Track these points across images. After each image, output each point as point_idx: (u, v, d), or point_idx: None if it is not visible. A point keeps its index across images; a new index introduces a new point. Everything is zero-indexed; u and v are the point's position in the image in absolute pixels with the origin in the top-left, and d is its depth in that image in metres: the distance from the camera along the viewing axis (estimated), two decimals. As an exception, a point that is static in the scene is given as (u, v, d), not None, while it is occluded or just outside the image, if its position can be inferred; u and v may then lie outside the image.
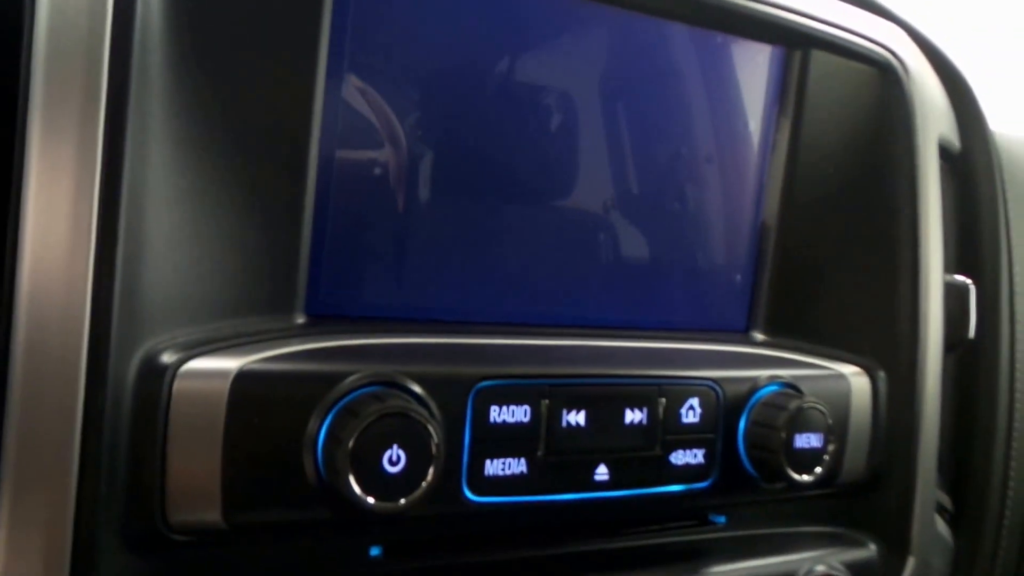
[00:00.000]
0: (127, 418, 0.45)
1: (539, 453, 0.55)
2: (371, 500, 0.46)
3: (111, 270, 0.44)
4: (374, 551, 0.55)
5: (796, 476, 0.61)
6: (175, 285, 0.48)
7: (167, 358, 0.46)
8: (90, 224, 0.43)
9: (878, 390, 0.69)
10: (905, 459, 0.70)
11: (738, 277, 0.72)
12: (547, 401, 0.55)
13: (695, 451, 0.61)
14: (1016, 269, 0.79)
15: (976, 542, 0.78)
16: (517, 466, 0.54)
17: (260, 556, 0.51)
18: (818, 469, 0.62)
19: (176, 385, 0.46)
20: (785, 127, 0.71)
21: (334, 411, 0.48)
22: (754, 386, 0.63)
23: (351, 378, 0.49)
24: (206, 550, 0.49)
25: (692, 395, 0.61)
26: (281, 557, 0.52)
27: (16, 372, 0.42)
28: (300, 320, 0.54)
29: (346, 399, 0.48)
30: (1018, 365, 0.79)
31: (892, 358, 0.70)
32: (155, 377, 0.46)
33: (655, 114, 0.66)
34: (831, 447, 0.62)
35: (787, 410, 0.60)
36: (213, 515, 0.47)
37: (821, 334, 0.71)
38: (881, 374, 0.70)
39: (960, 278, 0.75)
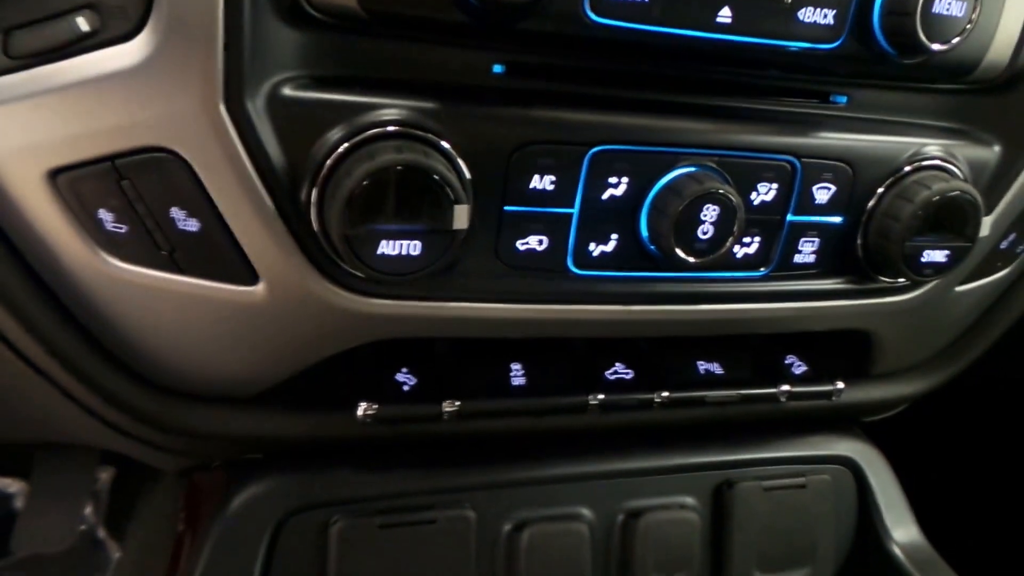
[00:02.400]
0: None
1: None
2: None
3: None
4: (497, 68, 0.55)
5: (931, 44, 0.55)
6: None
7: None
8: None
9: None
10: None
11: None
12: None
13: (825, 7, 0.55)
14: None
15: None
16: None
17: (394, 55, 0.52)
18: (956, 39, 0.56)
19: None
20: None
21: None
22: None
23: None
24: (346, 38, 0.51)
25: None
26: (413, 55, 0.53)
27: None
28: None
29: None
30: None
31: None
32: None
33: None
34: (974, 15, 0.55)
35: None
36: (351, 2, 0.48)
37: None
38: None
39: None
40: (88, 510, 1.08)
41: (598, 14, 0.51)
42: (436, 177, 0.49)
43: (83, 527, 1.07)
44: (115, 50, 0.46)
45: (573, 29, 0.51)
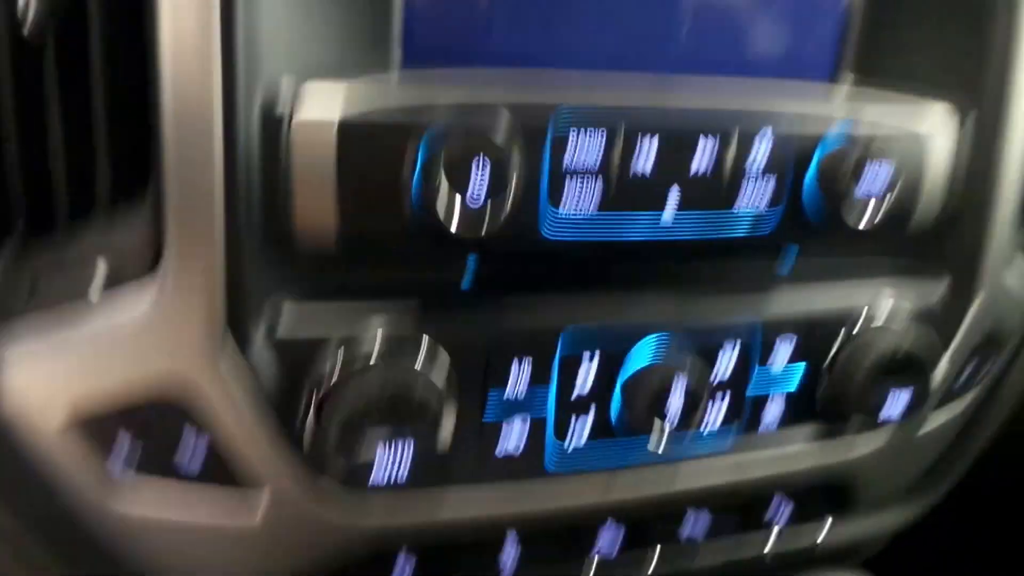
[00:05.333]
0: (256, 169, 0.49)
1: (614, 175, 0.54)
2: (455, 226, 0.49)
3: (233, 38, 0.46)
4: (465, 285, 0.57)
5: (860, 219, 0.57)
6: (285, 45, 0.50)
7: (282, 110, 0.49)
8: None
9: (962, 131, 0.63)
10: (984, 200, 0.65)
11: (825, 20, 0.66)
12: (623, 125, 0.54)
13: (765, 182, 0.57)
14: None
15: None
16: (592, 183, 0.54)
17: (372, 284, 0.55)
18: (883, 212, 0.58)
19: (292, 134, 0.49)
20: None
21: (423, 146, 0.49)
22: (829, 125, 0.58)
23: (435, 114, 0.50)
24: (328, 274, 0.54)
25: (767, 127, 0.57)
26: (389, 287, 0.56)
27: (168, 133, 0.47)
28: (396, 70, 0.56)
29: (433, 132, 0.49)
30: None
31: (980, 98, 0.63)
32: (275, 127, 0.49)
33: None
34: (903, 190, 0.58)
35: (859, 150, 0.56)
36: (329, 241, 0.51)
37: (910, 75, 0.65)
38: (967, 114, 0.63)
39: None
40: None
41: (551, 234, 0.54)
42: (423, 396, 0.52)
43: None
44: (127, 297, 0.50)
45: (530, 247, 0.54)
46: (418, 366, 0.53)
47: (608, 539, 0.70)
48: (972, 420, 0.81)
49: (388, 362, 0.53)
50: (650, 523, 0.71)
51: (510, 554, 0.67)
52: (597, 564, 0.68)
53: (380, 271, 0.55)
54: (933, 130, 0.62)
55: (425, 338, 0.55)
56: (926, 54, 0.65)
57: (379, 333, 0.54)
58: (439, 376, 0.54)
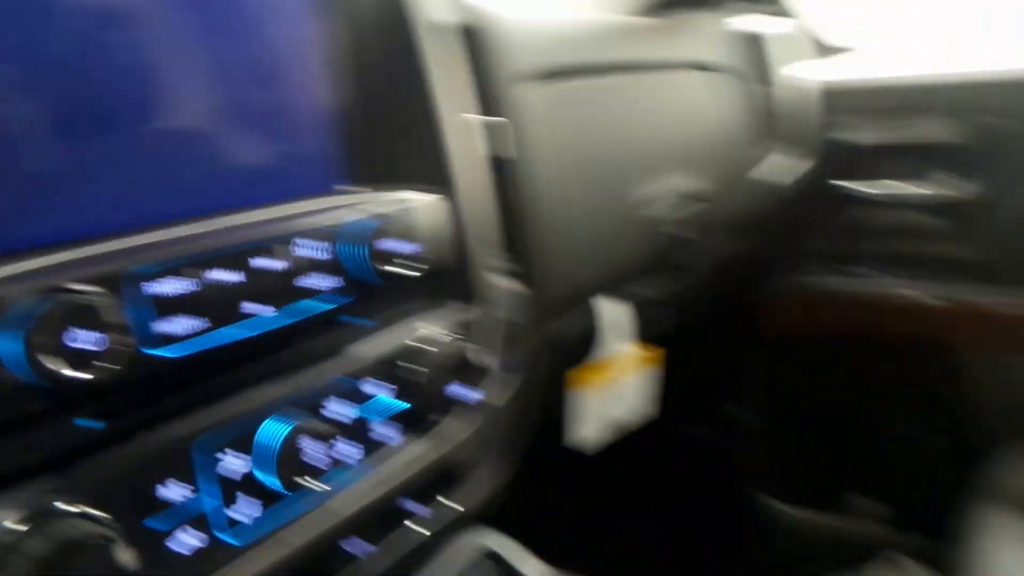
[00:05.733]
0: None
1: (198, 302, 0.62)
2: (66, 376, 0.52)
3: None
4: (82, 422, 0.59)
5: (399, 276, 0.75)
6: None
7: None
8: None
9: (441, 207, 0.84)
10: (468, 251, 0.89)
11: (316, 145, 0.82)
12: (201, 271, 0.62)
13: (318, 274, 0.71)
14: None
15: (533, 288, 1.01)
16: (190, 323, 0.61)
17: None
18: (410, 267, 0.77)
19: None
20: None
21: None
22: (345, 222, 0.74)
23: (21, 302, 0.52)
24: None
25: (305, 234, 0.69)
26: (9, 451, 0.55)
27: None
28: None
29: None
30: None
31: (446, 191, 0.86)
32: None
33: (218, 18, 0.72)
34: (419, 253, 0.78)
35: (381, 230, 0.74)
36: None
37: (397, 176, 0.85)
38: (444, 201, 0.85)
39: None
40: None
41: (150, 348, 0.59)
42: (87, 547, 0.53)
43: None
44: None
45: (136, 371, 0.58)
46: (71, 521, 0.54)
47: None
48: (523, 394, 1.03)
49: (41, 533, 0.52)
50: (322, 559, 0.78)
51: None
52: None
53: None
54: (427, 211, 0.82)
55: (67, 494, 0.55)
56: (412, 162, 0.87)
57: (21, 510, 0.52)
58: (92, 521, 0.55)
